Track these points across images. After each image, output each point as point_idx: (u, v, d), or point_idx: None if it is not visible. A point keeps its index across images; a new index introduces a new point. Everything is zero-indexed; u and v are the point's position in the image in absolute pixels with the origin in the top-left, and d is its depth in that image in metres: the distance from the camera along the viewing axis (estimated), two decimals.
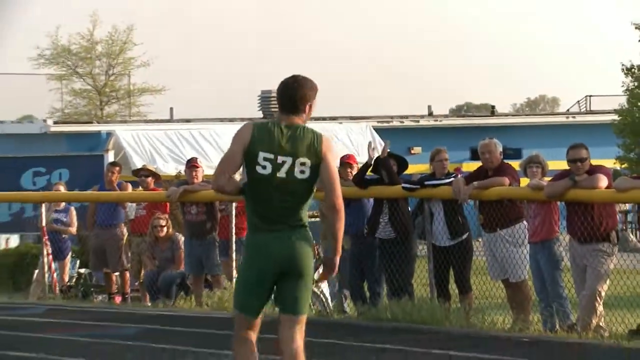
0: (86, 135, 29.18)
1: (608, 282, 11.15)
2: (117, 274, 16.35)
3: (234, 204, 14.12)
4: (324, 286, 14.65)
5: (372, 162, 12.95)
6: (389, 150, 13.02)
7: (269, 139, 6.81)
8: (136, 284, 16.32)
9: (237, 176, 7.54)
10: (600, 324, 11.03)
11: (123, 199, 16.21)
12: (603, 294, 11.09)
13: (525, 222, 12.02)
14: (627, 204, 20.24)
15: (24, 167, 22.93)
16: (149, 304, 14.94)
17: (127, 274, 16.34)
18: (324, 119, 31.99)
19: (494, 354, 9.91)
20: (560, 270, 11.74)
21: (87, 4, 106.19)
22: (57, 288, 16.44)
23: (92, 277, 17.07)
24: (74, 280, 17.45)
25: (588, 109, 40.92)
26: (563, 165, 11.60)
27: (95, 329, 12.06)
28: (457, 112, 64.13)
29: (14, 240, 22.65)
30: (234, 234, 14.26)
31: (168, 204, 15.80)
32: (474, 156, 21.52)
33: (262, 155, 6.79)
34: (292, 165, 6.78)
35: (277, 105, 7.03)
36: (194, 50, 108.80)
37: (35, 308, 14.25)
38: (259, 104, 32.05)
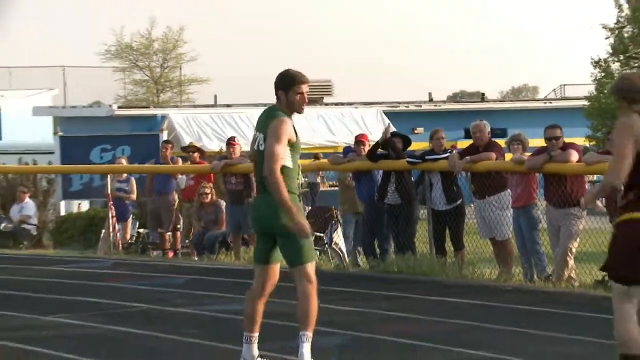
0: (144, 118, 29.13)
1: (578, 240, 11.11)
2: (169, 233, 16.39)
3: None
4: (342, 244, 14.64)
5: (382, 141, 12.89)
6: (395, 130, 12.94)
7: (259, 119, 6.93)
8: (186, 241, 16.33)
9: None
10: (572, 275, 10.99)
11: (175, 171, 16.22)
12: (574, 250, 11.06)
13: (509, 190, 11.96)
14: (594, 175, 20.21)
15: (93, 145, 22.89)
16: (196, 259, 14.94)
17: (178, 234, 16.38)
18: (342, 104, 31.87)
19: (482, 300, 9.88)
20: (538, 231, 11.67)
21: (147, 7, 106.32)
22: (120, 245, 16.51)
23: (149, 236, 17.08)
24: (134, 238, 17.47)
25: (563, 95, 40.66)
26: (541, 142, 11.55)
27: (152, 279, 12.08)
28: (453, 98, 63.68)
29: (85, 205, 22.70)
30: None
31: (212, 175, 15.79)
32: (467, 135, 21.35)
33: (254, 132, 6.94)
34: (261, 140, 6.76)
35: None
36: (234, 47, 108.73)
37: (102, 261, 14.28)
38: None
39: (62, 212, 21.50)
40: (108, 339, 8.22)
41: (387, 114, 29.90)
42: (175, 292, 10.91)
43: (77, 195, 22.10)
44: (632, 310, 5.84)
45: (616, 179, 5.80)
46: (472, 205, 12.53)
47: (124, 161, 18.09)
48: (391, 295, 10.35)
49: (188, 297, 10.43)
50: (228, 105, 30.84)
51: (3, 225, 18.10)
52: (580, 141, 26.45)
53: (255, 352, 6.83)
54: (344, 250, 14.45)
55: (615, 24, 35.51)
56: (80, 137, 23.83)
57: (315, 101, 30.12)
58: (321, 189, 24.92)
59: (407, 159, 12.57)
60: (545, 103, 36.39)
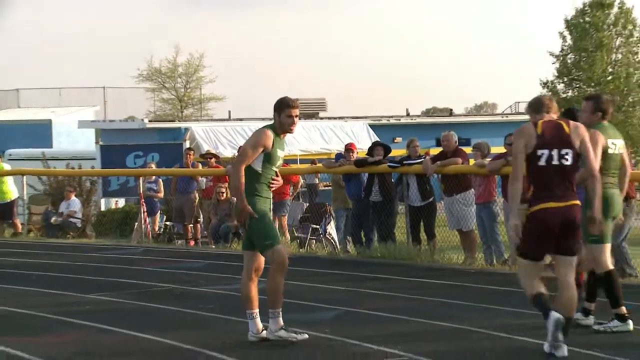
0: (171, 130, 29.01)
1: None
2: (191, 225, 16.37)
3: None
4: (334, 234, 14.63)
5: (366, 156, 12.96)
6: (378, 140, 12.90)
7: None
8: (205, 232, 16.31)
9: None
10: None
11: (196, 174, 16.22)
12: None
13: (473, 189, 11.95)
14: None
15: (128, 152, 22.86)
16: (213, 247, 14.91)
17: (198, 226, 16.39)
18: (334, 118, 31.79)
19: (450, 281, 9.89)
20: (497, 223, 11.66)
21: (172, 38, 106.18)
22: (150, 235, 16.48)
23: (174, 227, 17.06)
24: (161, 230, 17.46)
25: (517, 110, 40.58)
26: (500, 149, 11.53)
27: (176, 263, 12.05)
28: (427, 113, 63.56)
29: (121, 202, 22.63)
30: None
31: (227, 177, 15.77)
32: (438, 144, 21.32)
33: None
34: None
35: None
36: (247, 70, 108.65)
37: (135, 249, 14.25)
38: None
39: (103, 208, 21.47)
40: (140, 313, 8.21)
41: (372, 126, 29.82)
42: (195, 274, 10.89)
43: (115, 194, 22.09)
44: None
45: (514, 179, 6.42)
46: (442, 201, 12.53)
47: (153, 166, 18.14)
48: (375, 276, 10.34)
49: (206, 279, 10.42)
50: (240, 119, 30.77)
51: (53, 219, 18.08)
52: None
53: (260, 325, 6.72)
54: (336, 239, 14.43)
55: (560, 51, 35.93)
56: (117, 145, 23.78)
57: (312, 115, 30.09)
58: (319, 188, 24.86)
59: (388, 164, 12.57)
60: (502, 117, 36.31)
